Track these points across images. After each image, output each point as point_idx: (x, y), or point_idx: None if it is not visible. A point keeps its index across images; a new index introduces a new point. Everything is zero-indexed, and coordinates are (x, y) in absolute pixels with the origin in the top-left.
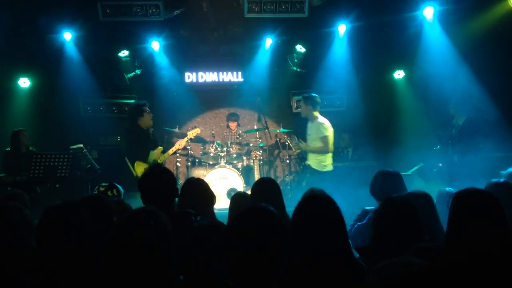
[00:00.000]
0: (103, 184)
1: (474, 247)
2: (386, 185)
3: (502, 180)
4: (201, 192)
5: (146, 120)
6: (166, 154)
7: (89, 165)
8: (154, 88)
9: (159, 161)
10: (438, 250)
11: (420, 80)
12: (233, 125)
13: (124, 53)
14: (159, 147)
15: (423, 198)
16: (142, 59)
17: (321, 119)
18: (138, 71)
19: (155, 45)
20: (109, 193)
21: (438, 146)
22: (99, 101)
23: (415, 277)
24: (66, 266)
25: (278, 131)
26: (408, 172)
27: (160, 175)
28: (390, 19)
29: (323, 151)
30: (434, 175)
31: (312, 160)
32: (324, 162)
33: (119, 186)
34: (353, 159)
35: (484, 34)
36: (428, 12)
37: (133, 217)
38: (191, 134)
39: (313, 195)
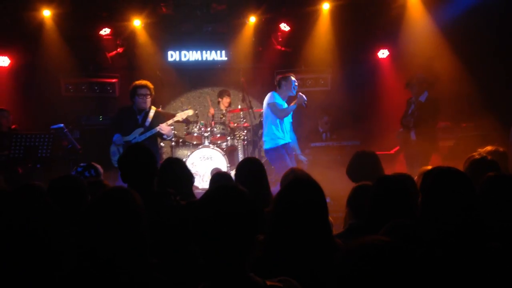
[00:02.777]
0: (82, 164)
1: (443, 224)
2: (363, 166)
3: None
4: (180, 172)
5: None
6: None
7: (70, 145)
8: (137, 67)
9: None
10: (412, 227)
11: (404, 60)
12: (226, 101)
13: (105, 31)
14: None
15: (406, 179)
16: (124, 37)
17: None
18: (120, 50)
19: (137, 22)
20: (86, 173)
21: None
22: (80, 80)
23: (367, 251)
24: None
25: (262, 110)
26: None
27: (138, 154)
28: None
29: None
30: None
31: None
32: None
33: (98, 166)
34: (333, 139)
35: (467, 12)
36: None
37: (102, 197)
38: (181, 115)
39: (296, 179)
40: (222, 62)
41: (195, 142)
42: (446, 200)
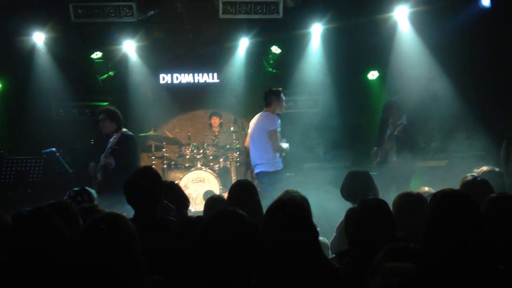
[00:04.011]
0: (75, 189)
1: (450, 248)
2: (356, 186)
3: (478, 178)
4: (174, 196)
5: None
6: None
7: (62, 169)
8: (128, 90)
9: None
10: (412, 251)
11: (394, 81)
12: (215, 121)
13: (97, 55)
14: None
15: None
16: (115, 61)
17: None
18: (111, 73)
19: (129, 46)
20: (79, 198)
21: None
22: (71, 104)
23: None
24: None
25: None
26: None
27: (142, 178)
28: (364, 21)
29: None
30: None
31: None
32: None
33: (92, 191)
34: (326, 160)
35: (455, 34)
36: (401, 14)
37: (92, 224)
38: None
39: (280, 199)
40: (214, 84)
41: (187, 165)
42: (452, 223)
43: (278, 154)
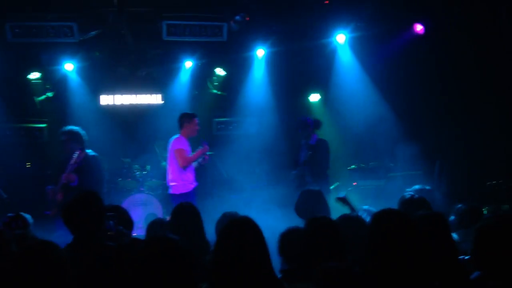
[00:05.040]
0: (9, 214)
1: (390, 269)
2: (310, 204)
3: (416, 196)
4: (118, 219)
5: None
6: None
7: None
8: (67, 111)
9: None
10: (348, 271)
11: (335, 103)
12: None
13: (34, 75)
14: None
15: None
16: (54, 82)
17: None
18: (50, 94)
19: (69, 66)
20: (13, 224)
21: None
22: (6, 125)
23: None
24: None
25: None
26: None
27: (79, 203)
28: (306, 45)
29: None
30: (349, 194)
31: None
32: None
33: (27, 216)
34: (268, 181)
35: (391, 59)
36: (340, 39)
37: (22, 252)
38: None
39: (232, 223)
40: (158, 106)
41: (129, 188)
42: (389, 241)
43: (189, 177)
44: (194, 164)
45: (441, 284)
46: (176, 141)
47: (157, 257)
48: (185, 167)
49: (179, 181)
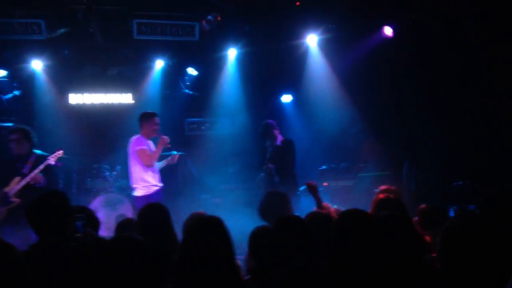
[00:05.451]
0: None
1: (354, 266)
2: (274, 206)
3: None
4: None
5: None
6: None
7: None
8: (35, 110)
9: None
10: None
11: (306, 104)
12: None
13: (1, 73)
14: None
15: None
16: (22, 80)
17: None
18: (17, 92)
19: (37, 65)
20: None
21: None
22: None
23: None
24: None
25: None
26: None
27: (48, 204)
28: (278, 46)
29: None
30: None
31: None
32: None
33: None
34: (239, 181)
35: (361, 61)
36: (311, 40)
37: None
38: (53, 159)
39: (198, 223)
40: (128, 105)
41: (98, 188)
42: (352, 239)
43: (150, 179)
44: (160, 165)
45: (405, 281)
46: (135, 142)
47: (121, 257)
48: (150, 166)
49: (140, 183)
